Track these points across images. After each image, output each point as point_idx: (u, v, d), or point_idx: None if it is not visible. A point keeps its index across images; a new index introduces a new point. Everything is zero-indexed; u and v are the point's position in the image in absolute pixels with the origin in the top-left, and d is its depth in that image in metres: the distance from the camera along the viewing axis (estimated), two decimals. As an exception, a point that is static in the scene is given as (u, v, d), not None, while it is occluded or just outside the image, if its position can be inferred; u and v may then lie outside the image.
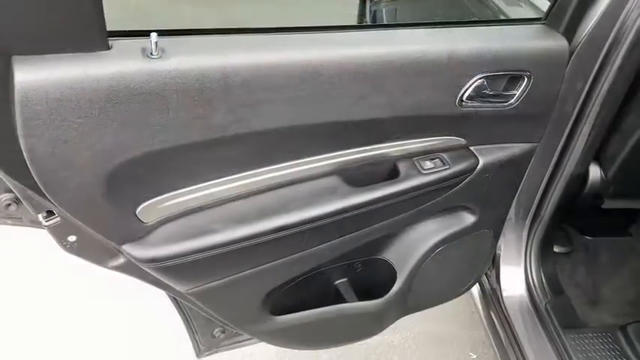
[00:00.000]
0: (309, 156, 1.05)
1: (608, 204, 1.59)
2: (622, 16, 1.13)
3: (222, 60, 0.84)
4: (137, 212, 0.92)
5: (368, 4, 1.50)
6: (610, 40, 1.16)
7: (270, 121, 0.92)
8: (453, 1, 1.41)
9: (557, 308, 1.52)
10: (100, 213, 0.88)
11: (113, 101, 0.78)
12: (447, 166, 1.15)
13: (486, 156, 1.19)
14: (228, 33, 0.91)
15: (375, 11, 1.49)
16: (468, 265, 1.49)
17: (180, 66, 0.81)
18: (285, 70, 0.89)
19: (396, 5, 1.45)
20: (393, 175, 1.13)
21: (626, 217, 1.82)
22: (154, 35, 0.79)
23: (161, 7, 1.39)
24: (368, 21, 1.50)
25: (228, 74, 0.84)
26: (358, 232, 1.16)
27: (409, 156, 1.14)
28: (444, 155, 1.16)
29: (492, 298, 1.63)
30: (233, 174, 0.99)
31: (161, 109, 0.82)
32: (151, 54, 0.80)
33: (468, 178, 1.19)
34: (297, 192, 1.06)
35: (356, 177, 1.10)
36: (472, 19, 1.08)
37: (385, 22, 1.49)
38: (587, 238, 1.81)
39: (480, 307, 1.69)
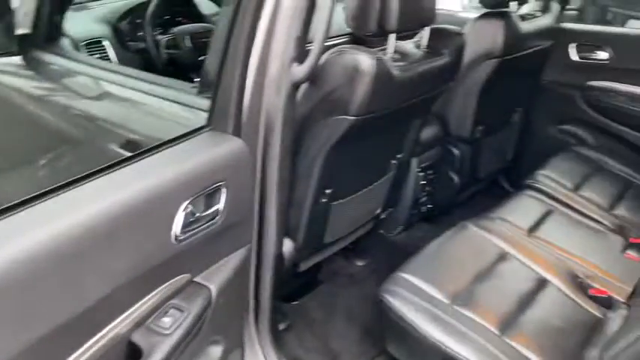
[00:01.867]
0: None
1: (303, 266, 1.68)
2: (264, 106, 1.19)
3: None
4: None
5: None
6: (263, 129, 1.21)
7: None
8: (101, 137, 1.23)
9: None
10: None
11: None
12: (186, 313, 0.98)
13: (214, 279, 1.07)
14: None
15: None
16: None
17: None
18: None
19: (53, 158, 1.16)
20: (135, 355, 0.89)
21: (316, 269, 1.97)
22: None
23: None
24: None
25: None
26: None
27: (142, 321, 0.92)
28: (177, 301, 0.98)
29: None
30: None
31: None
32: None
33: (207, 313, 1.04)
34: None
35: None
36: (142, 150, 0.95)
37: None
38: (295, 303, 1.88)
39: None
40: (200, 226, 0.98)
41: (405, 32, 1.41)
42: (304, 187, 1.45)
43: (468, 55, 1.95)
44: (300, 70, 1.18)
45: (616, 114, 2.29)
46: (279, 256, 1.43)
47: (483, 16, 1.97)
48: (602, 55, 2.29)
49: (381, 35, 1.37)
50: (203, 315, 1.03)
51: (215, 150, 1.04)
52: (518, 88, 2.28)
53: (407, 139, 1.74)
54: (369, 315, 1.85)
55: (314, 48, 1.16)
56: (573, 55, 2.35)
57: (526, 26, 2.02)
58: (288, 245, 1.52)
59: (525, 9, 2.14)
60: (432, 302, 1.35)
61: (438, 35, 1.55)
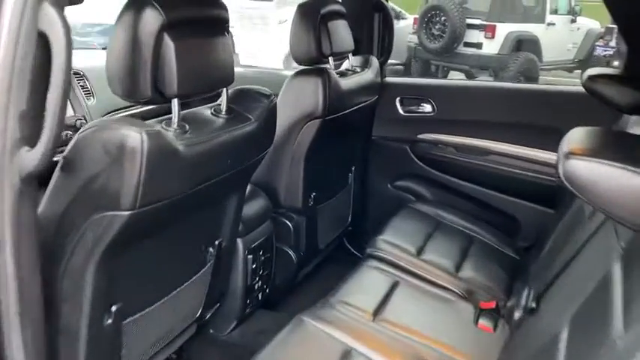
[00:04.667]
0: None
1: None
2: None
3: None
4: None
5: None
6: None
7: None
8: None
9: None
10: None
11: None
12: None
13: None
14: None
15: None
16: None
17: None
18: None
19: None
20: None
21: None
22: None
23: None
24: None
25: None
26: None
27: None
28: None
29: None
30: None
31: None
32: None
33: None
34: None
35: None
36: None
37: None
38: None
39: None
40: None
41: (194, 97, 1.14)
42: (73, 310, 1.06)
43: (288, 117, 1.74)
44: (33, 156, 0.84)
45: (446, 166, 2.24)
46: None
47: (299, 73, 1.78)
48: (427, 107, 2.24)
49: (163, 102, 1.07)
50: None
51: None
52: (349, 147, 2.13)
53: (225, 220, 1.45)
54: None
55: (47, 124, 0.83)
56: (400, 108, 2.28)
57: (348, 82, 1.87)
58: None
59: (345, 65, 2.01)
60: None
61: (242, 97, 1.30)
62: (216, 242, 1.43)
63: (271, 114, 1.33)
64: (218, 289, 1.54)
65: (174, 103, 1.07)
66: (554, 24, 8.16)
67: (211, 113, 1.22)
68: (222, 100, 1.22)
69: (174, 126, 1.07)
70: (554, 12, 8.24)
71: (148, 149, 0.96)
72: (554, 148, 1.99)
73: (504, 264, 1.85)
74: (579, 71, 8.57)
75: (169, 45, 1.02)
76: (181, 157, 1.04)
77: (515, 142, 2.06)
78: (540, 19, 8.00)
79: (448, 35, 7.47)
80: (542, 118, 1.99)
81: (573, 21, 8.49)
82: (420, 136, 2.25)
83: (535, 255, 1.81)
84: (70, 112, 1.99)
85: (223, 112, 1.22)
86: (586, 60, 8.59)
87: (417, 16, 7.90)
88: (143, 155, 0.95)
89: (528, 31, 7.74)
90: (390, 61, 2.39)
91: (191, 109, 1.20)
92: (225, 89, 1.21)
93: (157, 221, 1.09)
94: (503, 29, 7.51)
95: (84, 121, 2.00)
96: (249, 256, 1.66)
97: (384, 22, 2.25)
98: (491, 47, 7.54)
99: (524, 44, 7.67)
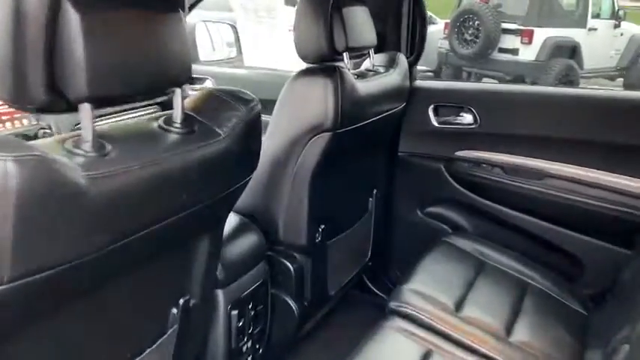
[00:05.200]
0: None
1: None
2: None
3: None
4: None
5: None
6: None
7: None
8: None
9: None
10: None
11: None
12: None
13: None
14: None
15: None
16: None
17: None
18: None
19: None
20: None
21: None
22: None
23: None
24: None
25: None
26: None
27: None
28: None
29: None
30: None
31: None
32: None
33: None
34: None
35: None
36: None
37: None
38: None
39: None
40: None
41: (120, 103, 0.76)
42: None
43: (288, 129, 1.36)
44: None
45: (490, 190, 1.82)
46: None
47: (304, 73, 1.38)
48: (468, 118, 1.82)
49: (66, 109, 0.70)
50: None
51: None
52: (369, 167, 1.73)
53: (193, 272, 1.06)
54: None
55: None
56: (433, 119, 1.86)
57: (367, 86, 1.47)
58: None
59: (366, 64, 1.62)
60: None
61: (209, 104, 0.92)
62: (181, 301, 1.04)
63: (251, 127, 0.93)
64: (188, 358, 1.16)
65: (85, 110, 0.68)
66: (595, 29, 7.65)
67: (158, 126, 0.83)
68: (176, 107, 0.83)
69: (86, 147, 0.69)
70: (596, 16, 7.73)
71: (22, 187, 0.57)
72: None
73: (569, 322, 1.43)
74: (621, 80, 8.09)
75: (72, 19, 0.64)
76: (89, 197, 0.65)
77: (582, 164, 1.63)
78: (581, 23, 7.50)
79: (482, 40, 7.05)
80: (623, 134, 1.56)
81: (617, 26, 7.95)
82: (459, 154, 1.83)
83: (610, 311, 1.38)
84: (32, 119, 1.66)
85: (177, 124, 0.83)
86: (629, 68, 8.08)
87: (448, 20, 7.50)
88: (10, 196, 0.57)
89: (568, 37, 7.24)
90: (417, 68, 1.99)
91: (123, 120, 0.82)
92: (178, 90, 0.82)
93: (54, 294, 0.70)
94: (541, 34, 7.04)
95: (48, 131, 1.66)
96: (234, 312, 1.26)
97: (415, 11, 1.84)
98: (527, 53, 7.08)
99: (563, 50, 7.19)
